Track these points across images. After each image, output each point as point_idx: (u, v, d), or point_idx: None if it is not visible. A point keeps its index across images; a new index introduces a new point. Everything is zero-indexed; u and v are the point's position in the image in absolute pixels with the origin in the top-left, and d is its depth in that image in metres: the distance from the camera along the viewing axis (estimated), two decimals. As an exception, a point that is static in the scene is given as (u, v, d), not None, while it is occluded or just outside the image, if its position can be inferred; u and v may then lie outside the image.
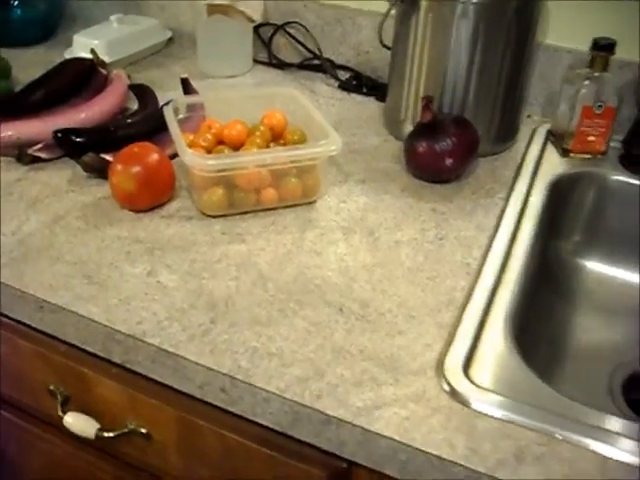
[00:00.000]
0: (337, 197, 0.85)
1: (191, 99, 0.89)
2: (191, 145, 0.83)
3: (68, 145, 0.88)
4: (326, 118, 0.85)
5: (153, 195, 0.80)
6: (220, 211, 0.80)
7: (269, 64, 1.18)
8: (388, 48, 1.00)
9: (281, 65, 1.17)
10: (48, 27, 1.25)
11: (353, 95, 1.10)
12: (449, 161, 0.86)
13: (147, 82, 1.09)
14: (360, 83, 1.13)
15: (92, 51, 1.06)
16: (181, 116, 0.87)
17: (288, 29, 1.17)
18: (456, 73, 0.90)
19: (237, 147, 0.85)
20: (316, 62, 1.16)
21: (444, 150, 0.86)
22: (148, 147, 0.81)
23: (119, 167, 0.78)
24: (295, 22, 1.17)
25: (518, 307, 0.71)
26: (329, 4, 1.13)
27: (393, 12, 0.94)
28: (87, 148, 0.88)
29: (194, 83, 0.99)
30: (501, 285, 0.72)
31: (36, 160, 0.88)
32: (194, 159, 0.76)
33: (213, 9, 1.05)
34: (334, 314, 0.67)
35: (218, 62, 1.13)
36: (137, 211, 0.80)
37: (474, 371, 0.62)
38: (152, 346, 0.63)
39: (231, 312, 0.67)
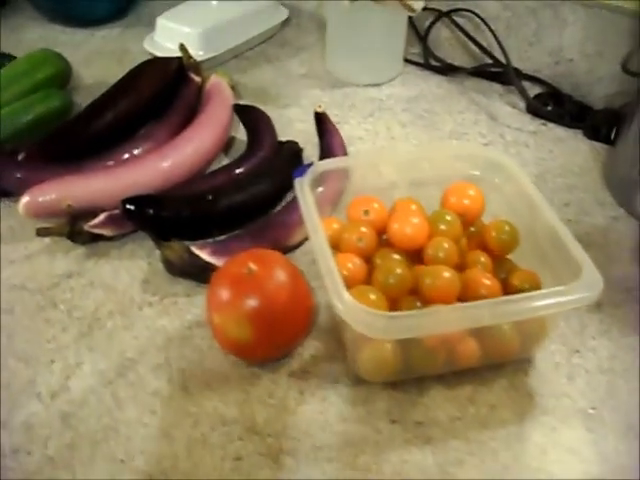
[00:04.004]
0: (565, 343, 0.53)
1: (337, 163, 0.56)
2: (337, 244, 0.52)
3: (143, 221, 0.57)
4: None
5: (278, 343, 0.49)
6: (386, 376, 0.49)
7: (424, 66, 0.83)
8: (634, 75, 0.64)
9: (443, 69, 0.82)
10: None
11: (550, 125, 0.75)
12: None
13: (256, 90, 0.77)
14: (558, 105, 0.77)
15: (182, 48, 0.73)
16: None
17: (456, 18, 0.82)
18: None
19: (411, 251, 0.53)
20: (493, 69, 0.80)
21: None
22: (271, 258, 0.49)
23: (224, 297, 0.47)
24: (467, 10, 0.80)
25: None
26: (527, -14, 0.76)
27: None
28: (172, 227, 0.57)
29: (320, 92, 0.67)
30: None
31: (96, 238, 0.59)
32: (362, 319, 0.43)
33: (361, -6, 0.70)
34: None
35: (356, 64, 0.78)
36: (250, 362, 0.50)
37: None
38: None
39: None
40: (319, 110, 0.62)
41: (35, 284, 0.55)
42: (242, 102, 0.72)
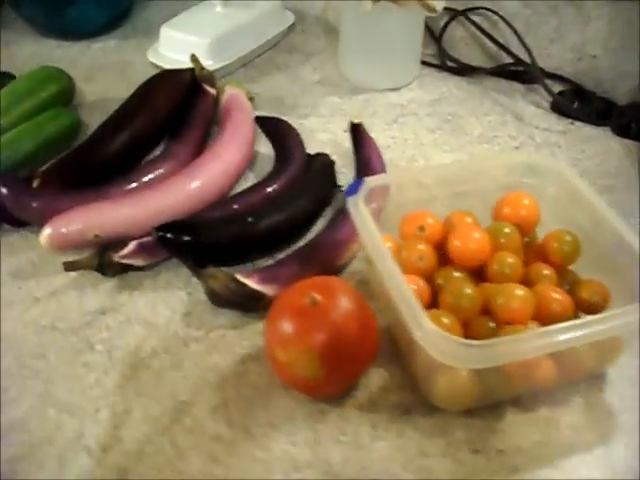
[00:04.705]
0: (635, 355, 0.50)
1: (388, 178, 0.53)
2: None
3: (180, 249, 0.53)
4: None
5: (348, 377, 0.46)
6: (462, 404, 0.46)
7: (440, 67, 0.80)
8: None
9: (460, 70, 0.79)
10: (117, 6, 0.86)
11: (577, 124, 0.73)
12: None
13: (271, 100, 0.73)
14: (582, 103, 0.76)
15: (193, 59, 0.69)
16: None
17: (473, 17, 0.79)
18: None
19: (472, 268, 0.50)
20: (515, 68, 0.78)
21: None
22: (333, 285, 0.45)
23: (288, 331, 0.43)
24: (485, 9, 0.78)
25: None
26: (548, -18, 0.74)
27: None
28: (210, 253, 0.54)
29: (339, 99, 0.64)
30: None
31: (126, 269, 0.54)
32: (446, 348, 0.40)
33: (383, -4, 0.67)
34: None
35: (372, 68, 0.75)
36: (316, 397, 0.47)
37: None
38: None
39: None
40: (356, 122, 0.58)
41: (66, 324, 0.51)
42: (260, 113, 0.68)
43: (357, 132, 0.59)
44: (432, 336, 0.41)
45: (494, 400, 0.46)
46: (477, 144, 0.69)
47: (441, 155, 0.67)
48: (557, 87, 0.77)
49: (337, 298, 0.44)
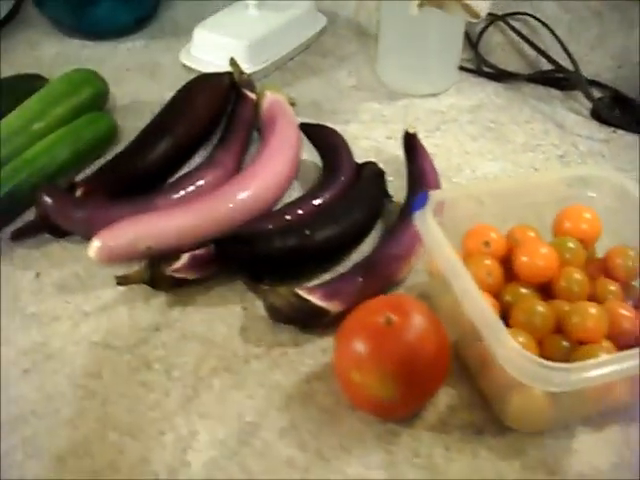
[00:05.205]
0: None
1: (453, 192, 0.51)
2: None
3: (239, 263, 0.52)
4: None
5: (422, 397, 0.44)
6: (537, 424, 0.45)
7: (477, 72, 0.79)
8: None
9: (497, 75, 0.78)
10: (144, 6, 0.83)
11: (620, 132, 0.72)
12: None
13: (308, 105, 0.71)
14: (622, 110, 0.75)
15: (232, 62, 0.67)
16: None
17: (512, 22, 0.78)
18: None
19: (538, 284, 0.49)
20: (556, 75, 0.76)
21: None
22: (406, 303, 0.44)
23: (363, 352, 0.42)
24: (525, 14, 0.77)
25: None
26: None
27: None
28: (269, 267, 0.52)
29: (378, 105, 0.64)
30: None
31: (179, 282, 0.53)
32: (532, 371, 0.38)
33: (432, 2, 0.65)
34: None
35: (411, 73, 0.73)
36: (387, 419, 0.45)
37: None
38: None
39: None
40: (411, 131, 0.57)
41: (120, 341, 0.49)
42: (300, 119, 0.67)
43: (411, 142, 0.58)
44: (516, 357, 0.39)
45: (567, 421, 0.45)
46: (521, 153, 0.68)
47: (487, 164, 0.66)
48: (595, 93, 0.76)
49: (412, 317, 0.43)
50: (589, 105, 0.73)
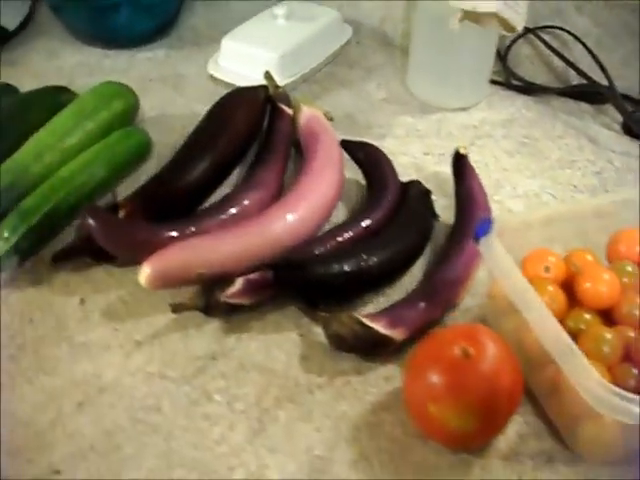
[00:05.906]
0: None
1: (517, 218, 0.50)
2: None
3: (296, 288, 0.50)
4: None
5: (497, 427, 0.43)
6: (608, 454, 0.44)
7: (505, 85, 0.78)
8: None
9: (526, 89, 0.78)
10: (164, 14, 0.81)
11: (651, 147, 0.72)
12: None
13: (341, 119, 0.70)
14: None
15: (267, 75, 0.66)
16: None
17: (542, 35, 0.77)
18: None
19: (600, 310, 0.49)
20: (588, 89, 0.76)
21: None
22: (480, 333, 0.43)
23: (441, 385, 0.41)
24: (555, 27, 0.76)
25: None
26: (621, 3, 0.73)
27: None
28: (326, 292, 0.51)
29: (411, 119, 0.65)
30: None
31: (233, 308, 0.51)
32: (618, 406, 0.38)
33: (469, 16, 0.65)
34: None
35: (443, 86, 0.73)
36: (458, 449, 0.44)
37: None
38: None
39: None
40: (463, 152, 0.56)
41: (176, 371, 0.48)
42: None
43: (461, 162, 0.57)
44: (596, 387, 0.39)
45: (637, 451, 0.45)
46: (558, 169, 0.67)
47: (526, 182, 0.65)
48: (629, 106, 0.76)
49: (487, 348, 0.42)
50: (619, 119, 0.74)
